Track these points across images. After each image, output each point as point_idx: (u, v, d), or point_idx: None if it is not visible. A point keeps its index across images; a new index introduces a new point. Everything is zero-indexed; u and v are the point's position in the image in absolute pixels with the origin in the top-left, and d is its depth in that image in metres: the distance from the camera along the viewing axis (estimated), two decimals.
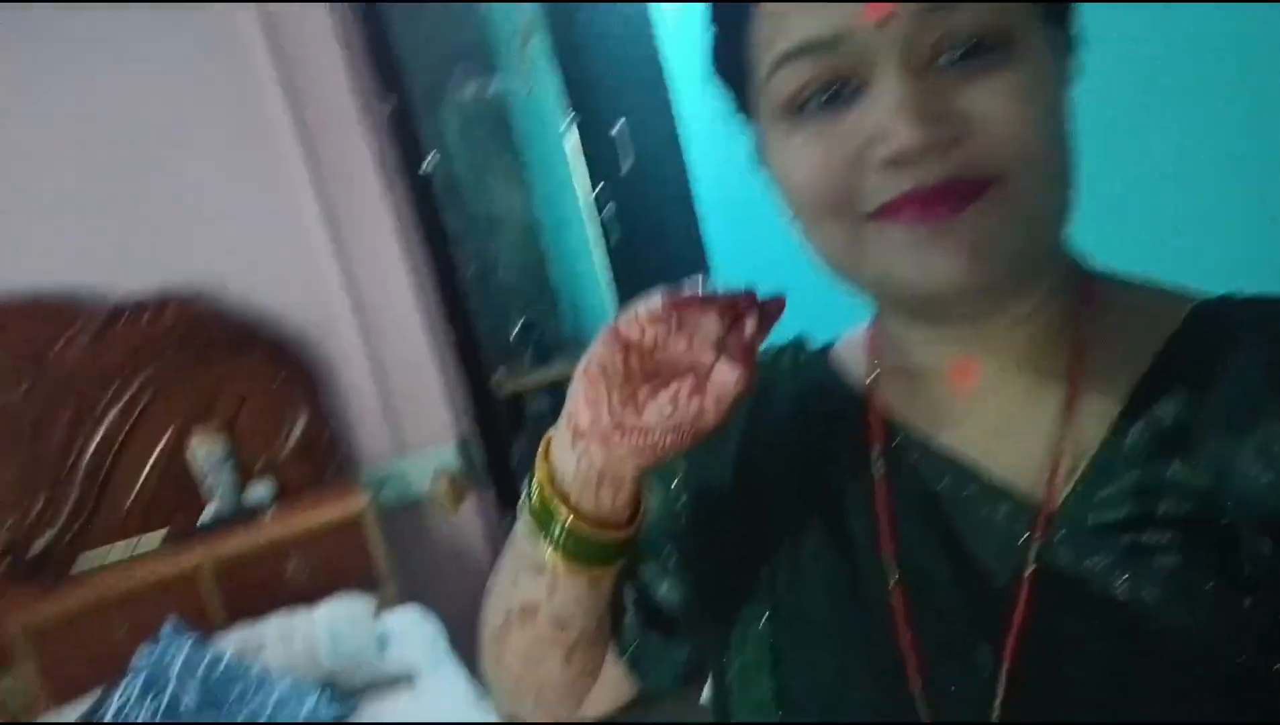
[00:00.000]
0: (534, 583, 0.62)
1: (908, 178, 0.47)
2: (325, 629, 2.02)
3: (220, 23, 2.26)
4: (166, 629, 1.92)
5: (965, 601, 0.55)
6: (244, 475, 2.34)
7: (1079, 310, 0.57)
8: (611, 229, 2.59)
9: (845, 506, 0.61)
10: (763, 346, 0.69)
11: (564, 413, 0.59)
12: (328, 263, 2.40)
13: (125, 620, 2.03)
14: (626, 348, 0.57)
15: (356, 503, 2.27)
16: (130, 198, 2.25)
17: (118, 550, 2.17)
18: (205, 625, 2.06)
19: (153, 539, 2.20)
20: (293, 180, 2.36)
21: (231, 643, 1.97)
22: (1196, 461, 0.50)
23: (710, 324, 0.56)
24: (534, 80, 3.20)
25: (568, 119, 2.55)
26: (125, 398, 2.22)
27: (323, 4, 2.31)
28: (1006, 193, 0.48)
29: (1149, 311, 0.57)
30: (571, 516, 0.58)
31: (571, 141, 2.62)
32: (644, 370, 0.57)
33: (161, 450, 2.27)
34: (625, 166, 2.53)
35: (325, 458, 2.41)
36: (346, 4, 2.39)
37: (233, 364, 2.32)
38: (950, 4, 0.47)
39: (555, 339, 3.31)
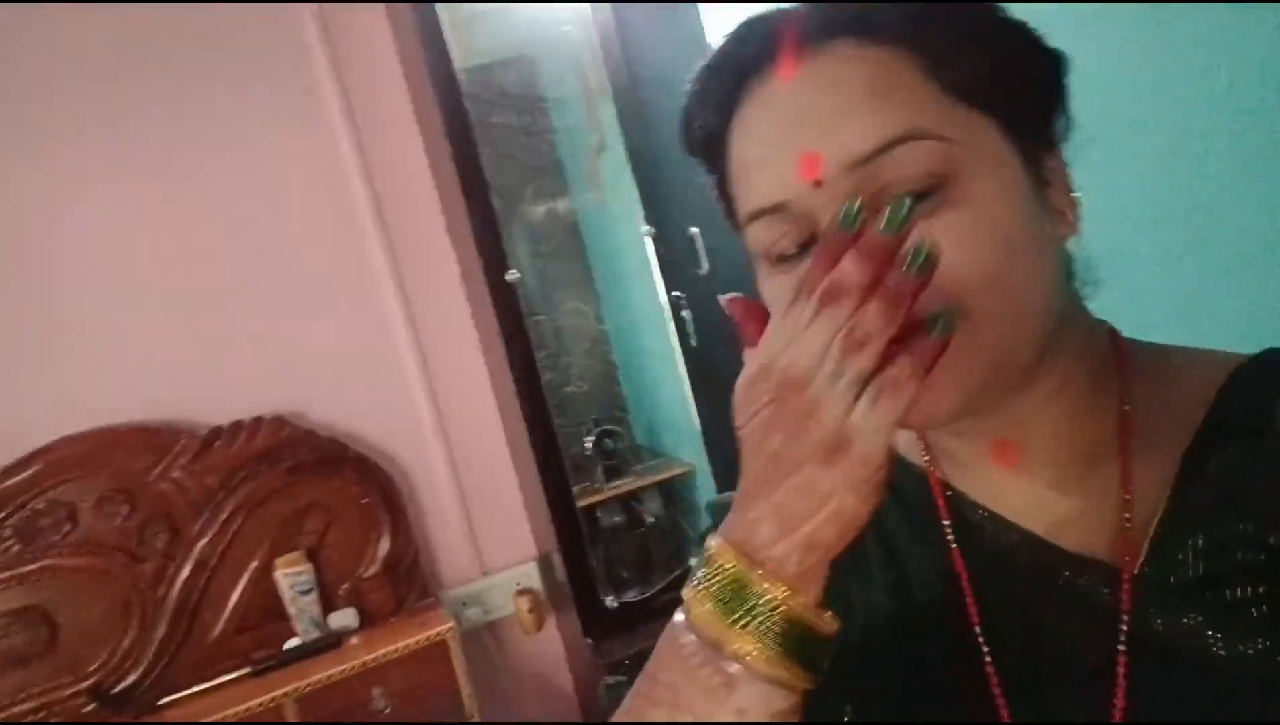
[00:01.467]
0: (710, 706, 0.48)
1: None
2: None
3: (309, 137, 2.33)
4: None
5: (1059, 674, 0.54)
6: (328, 600, 2.31)
7: (1115, 377, 0.58)
8: (689, 332, 2.58)
9: (923, 582, 0.61)
10: None
11: (741, 486, 0.51)
12: (413, 380, 2.42)
13: None
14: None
15: (440, 627, 2.22)
16: (221, 319, 2.30)
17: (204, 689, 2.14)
18: None
19: (239, 674, 2.17)
20: (380, 297, 2.39)
21: None
22: (1261, 511, 0.50)
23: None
24: (607, 191, 3.27)
25: (644, 227, 2.57)
26: (218, 523, 2.23)
27: (410, 122, 2.38)
28: (963, 327, 0.48)
29: (1191, 371, 0.58)
30: (785, 592, 0.46)
31: (646, 250, 2.64)
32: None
33: (249, 577, 2.25)
34: (702, 269, 2.52)
35: (409, 581, 2.38)
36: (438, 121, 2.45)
37: (320, 484, 2.32)
38: (876, 156, 0.48)
39: (628, 451, 3.28)
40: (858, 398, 0.45)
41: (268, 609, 2.26)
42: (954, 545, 0.61)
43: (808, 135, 0.51)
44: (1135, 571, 0.53)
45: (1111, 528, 0.55)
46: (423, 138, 2.39)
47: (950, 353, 0.46)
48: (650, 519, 3.19)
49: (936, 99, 0.51)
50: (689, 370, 2.67)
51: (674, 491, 3.22)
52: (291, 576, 2.25)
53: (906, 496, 0.64)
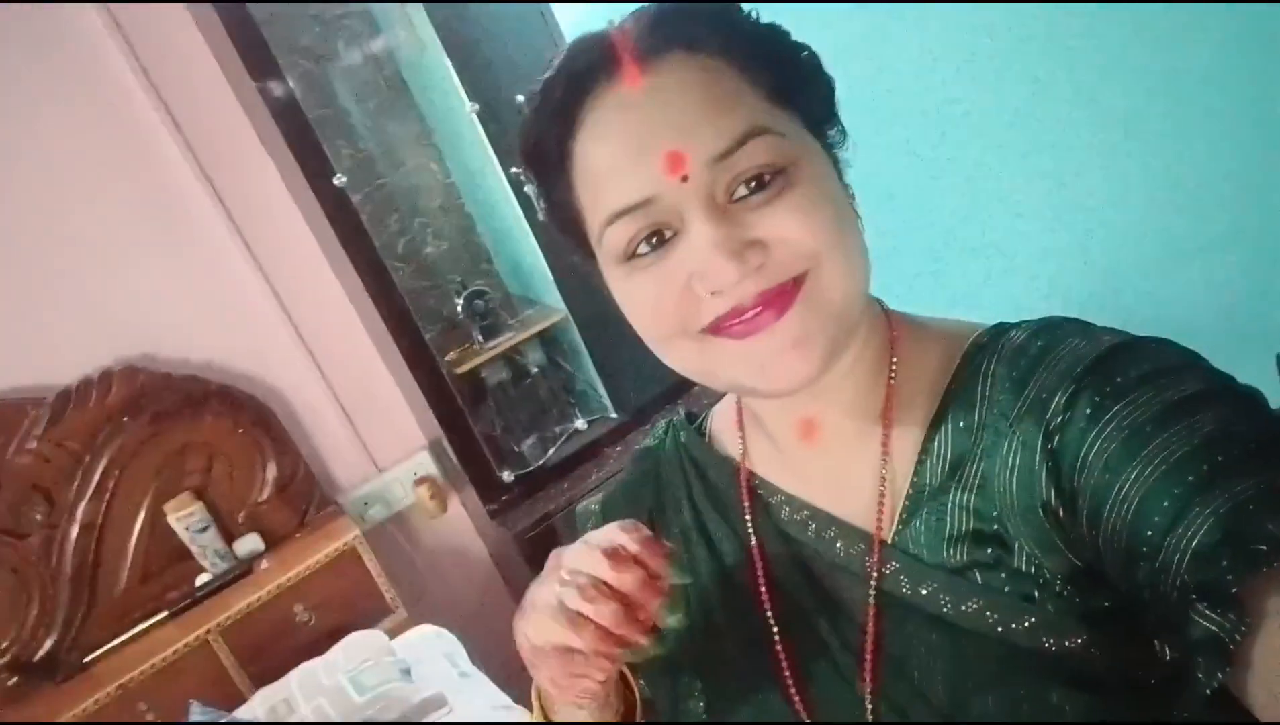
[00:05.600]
0: None
1: (730, 300, 0.56)
2: (347, 674, 2.07)
3: (89, 76, 2.11)
4: (194, 713, 1.95)
5: (837, 636, 0.63)
6: (229, 530, 2.33)
7: (889, 354, 0.65)
8: (536, 210, 2.52)
9: (731, 570, 0.70)
10: (654, 427, 0.83)
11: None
12: (260, 301, 2.33)
13: (149, 704, 2.06)
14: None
15: (347, 533, 2.29)
16: (38, 279, 2.15)
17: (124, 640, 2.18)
18: (229, 693, 2.11)
19: (156, 619, 2.21)
20: (202, 222, 2.26)
21: (260, 709, 2.02)
22: (971, 484, 0.58)
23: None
24: (425, 39, 3.03)
25: (469, 105, 2.43)
26: (93, 483, 2.18)
27: (198, 41, 2.16)
28: (815, 288, 0.57)
29: (940, 346, 0.65)
30: None
31: (476, 128, 2.51)
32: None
33: (141, 528, 2.24)
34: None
35: (305, 495, 2.41)
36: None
37: (190, 424, 2.27)
38: (734, 152, 0.55)
39: (501, 306, 3.25)
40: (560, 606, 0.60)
41: (171, 553, 2.27)
42: (752, 535, 0.70)
43: (669, 136, 0.55)
44: (886, 540, 0.61)
45: (875, 497, 0.63)
46: (213, 53, 2.18)
47: (813, 307, 0.56)
48: (534, 370, 3.23)
49: (761, 101, 0.57)
50: (538, 239, 2.63)
51: (551, 339, 3.24)
52: (184, 518, 2.25)
53: (718, 488, 0.73)
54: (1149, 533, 0.47)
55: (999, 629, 0.56)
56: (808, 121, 0.60)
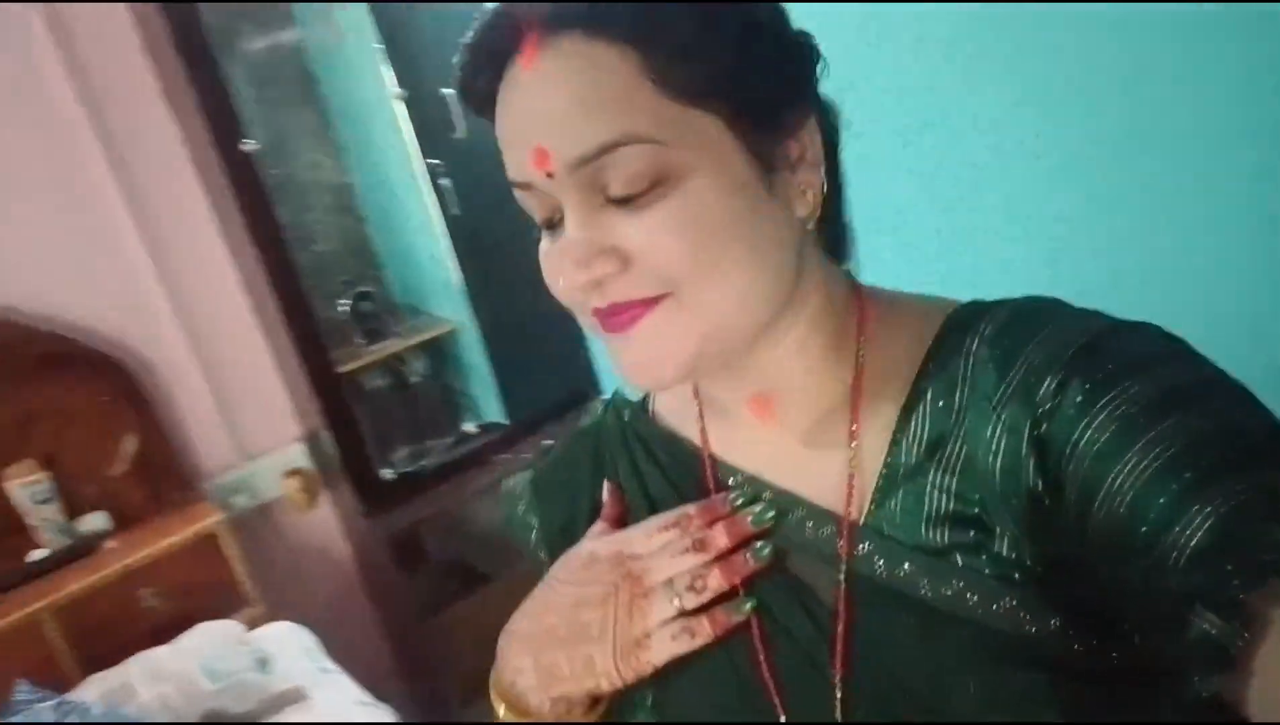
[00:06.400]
0: None
1: (591, 299, 0.56)
2: (198, 660, 1.93)
3: None
4: (20, 693, 1.77)
5: (808, 621, 0.60)
6: (75, 507, 2.15)
7: (855, 330, 0.62)
8: (449, 201, 2.51)
9: None
10: (591, 408, 0.79)
11: (523, 621, 0.66)
12: (142, 263, 2.20)
13: None
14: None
15: (207, 519, 2.16)
16: None
17: None
18: (58, 676, 1.92)
19: None
20: (89, 173, 2.12)
21: (93, 693, 1.85)
22: (952, 466, 0.56)
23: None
24: (344, 33, 2.99)
25: (396, 90, 2.41)
26: None
27: None
28: (674, 311, 0.55)
29: (913, 324, 0.62)
30: None
31: (398, 114, 2.49)
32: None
33: None
34: (458, 133, 2.42)
35: (165, 476, 2.26)
36: None
37: (47, 387, 2.10)
38: (594, 159, 0.52)
39: (387, 312, 3.19)
40: (673, 620, 0.60)
41: (4, 524, 2.07)
42: None
43: (537, 130, 0.53)
44: (858, 521, 0.59)
45: (844, 477, 0.60)
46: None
47: (667, 329, 0.55)
48: (416, 379, 3.17)
49: (653, 101, 0.52)
50: (451, 235, 2.61)
51: (439, 350, 3.20)
52: (28, 486, 2.07)
53: (669, 468, 0.69)
54: (1143, 529, 0.46)
55: (979, 612, 0.54)
56: (738, 120, 0.54)
